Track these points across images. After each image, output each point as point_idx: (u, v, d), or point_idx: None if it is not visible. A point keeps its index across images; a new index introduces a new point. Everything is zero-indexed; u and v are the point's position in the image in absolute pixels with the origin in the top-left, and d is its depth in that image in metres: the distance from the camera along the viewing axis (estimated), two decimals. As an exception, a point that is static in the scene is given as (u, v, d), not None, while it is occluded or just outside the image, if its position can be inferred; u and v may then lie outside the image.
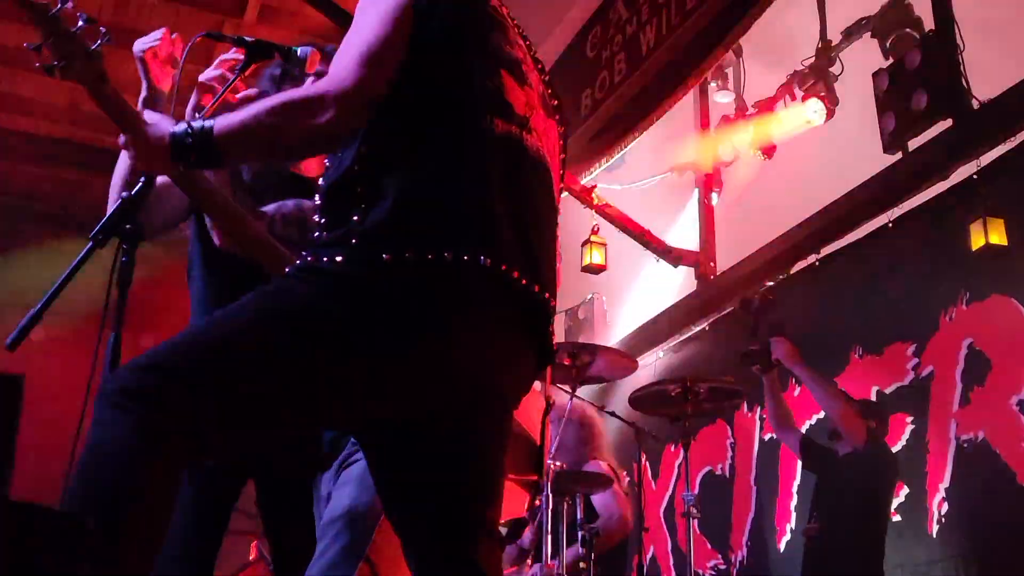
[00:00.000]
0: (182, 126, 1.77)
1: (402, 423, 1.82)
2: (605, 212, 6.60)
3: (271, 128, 1.74)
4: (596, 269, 6.87)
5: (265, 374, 1.67)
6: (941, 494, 4.43)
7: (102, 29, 1.86)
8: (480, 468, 1.84)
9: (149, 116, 1.88)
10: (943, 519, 4.40)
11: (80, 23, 1.82)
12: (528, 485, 3.87)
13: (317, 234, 1.78)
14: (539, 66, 2.04)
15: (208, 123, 1.75)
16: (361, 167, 1.76)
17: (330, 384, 1.71)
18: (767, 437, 5.60)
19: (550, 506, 4.04)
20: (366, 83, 1.73)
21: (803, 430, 5.06)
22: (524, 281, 1.77)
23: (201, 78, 2.35)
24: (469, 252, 1.71)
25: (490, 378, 1.80)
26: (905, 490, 4.57)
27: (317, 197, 1.83)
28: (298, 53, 2.32)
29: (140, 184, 1.93)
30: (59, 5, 1.81)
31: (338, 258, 1.70)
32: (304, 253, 1.76)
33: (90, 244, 1.92)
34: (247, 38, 2.33)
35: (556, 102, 2.06)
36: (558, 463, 4.20)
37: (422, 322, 1.71)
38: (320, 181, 1.84)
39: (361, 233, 1.71)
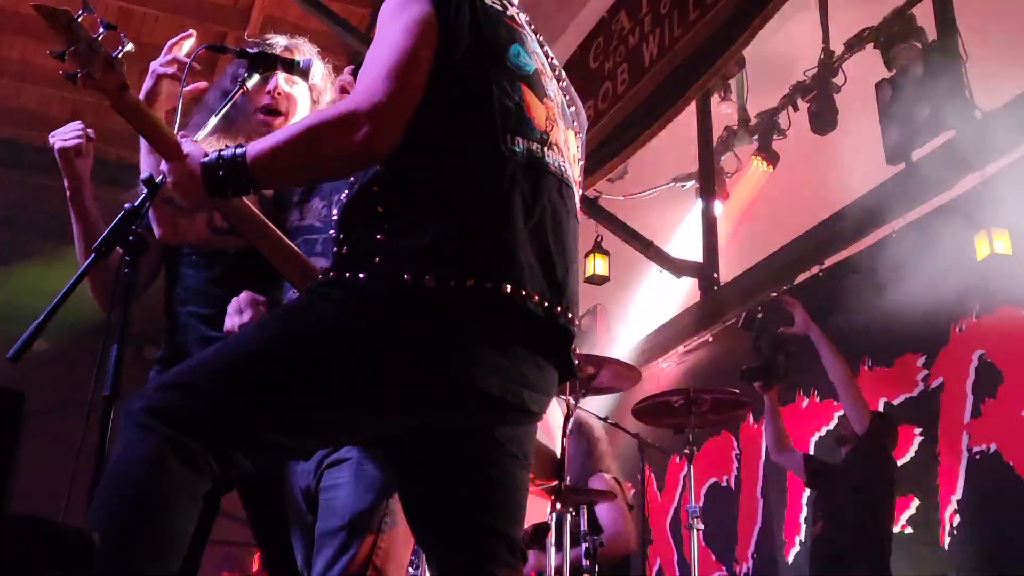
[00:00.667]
0: (212, 156, 1.75)
1: (424, 437, 1.82)
2: (608, 223, 6.60)
3: (306, 149, 1.71)
4: (600, 280, 6.87)
5: (289, 392, 1.67)
6: (953, 506, 4.41)
7: (123, 36, 1.84)
8: (501, 481, 1.83)
9: (186, 145, 1.84)
10: (955, 531, 4.38)
11: (101, 30, 1.79)
12: (550, 490, 3.85)
13: (336, 249, 1.77)
14: (556, 72, 2.03)
15: (240, 150, 1.72)
16: (381, 186, 1.75)
17: (352, 399, 1.71)
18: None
19: (554, 518, 4.03)
20: (397, 96, 1.71)
21: (812, 442, 5.03)
22: (545, 304, 1.77)
23: (153, 65, 2.32)
24: (491, 280, 1.70)
25: (510, 397, 1.79)
26: (916, 502, 4.55)
27: (335, 213, 1.82)
28: (301, 65, 2.32)
29: (143, 195, 1.93)
30: (80, 12, 1.79)
31: (361, 275, 1.70)
32: (328, 269, 1.76)
33: (93, 255, 1.91)
34: (249, 49, 2.32)
35: (574, 108, 2.05)
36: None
37: (439, 344, 1.70)
38: (341, 197, 1.83)
39: (384, 252, 1.70)
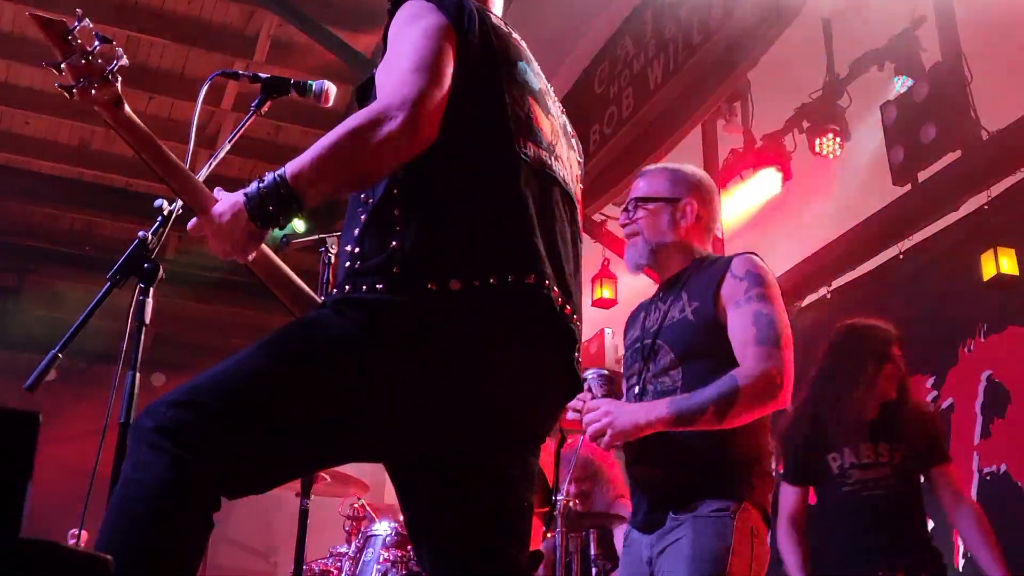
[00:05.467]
0: (251, 189, 1.69)
1: (437, 457, 1.81)
2: (614, 246, 6.60)
3: (345, 153, 1.65)
4: (607, 303, 6.87)
5: (305, 411, 1.65)
6: (966, 527, 4.38)
7: (119, 51, 1.83)
8: (511, 503, 1.83)
9: (219, 193, 1.79)
10: (968, 553, 4.34)
11: (96, 43, 1.78)
12: (541, 517, 3.83)
13: (348, 264, 1.75)
14: (556, 98, 2.05)
15: (278, 175, 1.67)
16: (398, 191, 1.75)
17: (373, 418, 1.69)
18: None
19: (564, 542, 4.01)
20: (425, 87, 1.68)
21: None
22: (560, 301, 1.77)
23: None
24: (513, 274, 1.70)
25: (532, 408, 1.79)
26: (932, 524, 4.52)
27: (347, 224, 1.82)
28: (313, 87, 2.33)
29: (157, 222, 1.93)
30: (76, 24, 1.78)
31: (379, 286, 1.68)
32: (341, 282, 1.74)
33: (108, 284, 1.91)
34: (262, 74, 2.34)
35: (574, 136, 2.07)
36: (579, 504, 4.17)
37: (471, 350, 1.69)
38: (357, 208, 1.81)
39: (403, 261, 1.68)
